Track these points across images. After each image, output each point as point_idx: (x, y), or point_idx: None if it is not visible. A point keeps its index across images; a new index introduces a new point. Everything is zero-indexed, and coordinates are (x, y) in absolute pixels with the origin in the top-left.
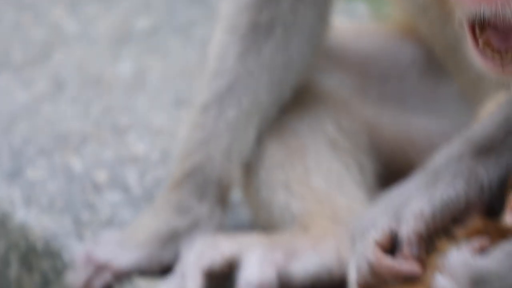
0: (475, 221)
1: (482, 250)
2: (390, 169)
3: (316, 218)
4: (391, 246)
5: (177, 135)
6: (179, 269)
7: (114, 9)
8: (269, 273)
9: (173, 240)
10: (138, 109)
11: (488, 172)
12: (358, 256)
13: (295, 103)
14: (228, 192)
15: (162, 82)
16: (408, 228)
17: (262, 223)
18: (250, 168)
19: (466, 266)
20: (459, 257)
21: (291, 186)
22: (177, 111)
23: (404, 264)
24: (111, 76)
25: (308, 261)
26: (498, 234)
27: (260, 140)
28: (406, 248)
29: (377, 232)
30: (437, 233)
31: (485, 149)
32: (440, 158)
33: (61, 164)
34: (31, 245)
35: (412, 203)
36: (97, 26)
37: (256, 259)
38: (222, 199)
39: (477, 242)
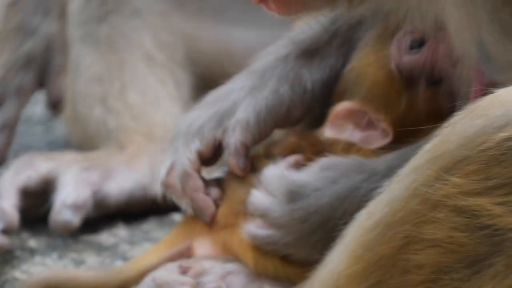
0: (291, 137)
1: (298, 165)
2: (207, 83)
3: (132, 135)
4: (214, 154)
5: None
6: None
7: None
8: (84, 193)
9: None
10: None
11: (311, 75)
12: (177, 159)
13: (111, 14)
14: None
15: None
16: (234, 139)
17: (78, 139)
18: (67, 81)
19: (281, 179)
20: (275, 171)
21: (108, 101)
22: None
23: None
24: None
25: (123, 180)
26: (314, 149)
27: (78, 51)
28: (232, 160)
29: (202, 141)
30: (260, 142)
31: (310, 51)
32: (267, 58)
33: None
34: None
35: (238, 112)
36: None
37: (71, 179)
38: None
39: (292, 158)
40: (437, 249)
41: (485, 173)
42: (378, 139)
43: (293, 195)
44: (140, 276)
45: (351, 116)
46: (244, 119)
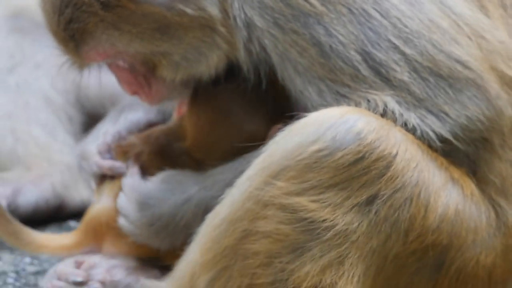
0: (134, 139)
1: (146, 172)
2: (94, 119)
3: (36, 160)
4: None
5: None
6: None
7: None
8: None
9: None
10: None
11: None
12: (89, 166)
13: (18, 66)
14: None
15: None
16: (97, 143)
17: None
18: None
19: (134, 191)
20: (129, 182)
21: (17, 134)
22: None
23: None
24: None
25: (30, 195)
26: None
27: None
28: (98, 156)
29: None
30: (126, 144)
31: None
32: (128, 96)
33: None
34: None
35: (103, 127)
36: None
37: None
38: None
39: (135, 169)
40: (268, 239)
41: (301, 177)
42: None
43: (142, 205)
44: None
45: None
46: (105, 128)
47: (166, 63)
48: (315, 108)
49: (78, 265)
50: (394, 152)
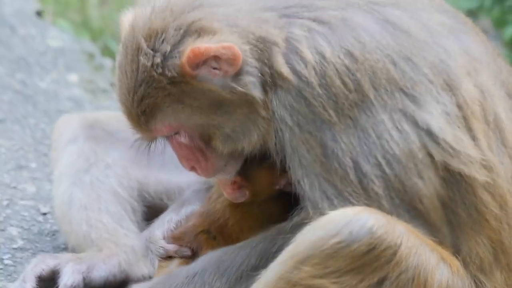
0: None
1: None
2: (154, 211)
3: (106, 243)
4: None
5: None
6: (22, 275)
7: None
8: (77, 279)
9: None
10: None
11: None
12: (155, 249)
13: (92, 166)
14: None
15: None
16: (162, 229)
17: (72, 245)
18: (63, 209)
19: None
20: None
21: (91, 221)
22: None
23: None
24: None
25: (101, 271)
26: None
27: (71, 191)
28: (163, 241)
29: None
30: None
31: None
32: (187, 192)
33: None
34: None
35: (167, 216)
36: None
37: (69, 270)
38: None
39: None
40: None
41: (324, 264)
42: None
43: None
44: None
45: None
46: (168, 217)
47: (219, 135)
48: (306, 198)
49: None
50: (399, 242)
